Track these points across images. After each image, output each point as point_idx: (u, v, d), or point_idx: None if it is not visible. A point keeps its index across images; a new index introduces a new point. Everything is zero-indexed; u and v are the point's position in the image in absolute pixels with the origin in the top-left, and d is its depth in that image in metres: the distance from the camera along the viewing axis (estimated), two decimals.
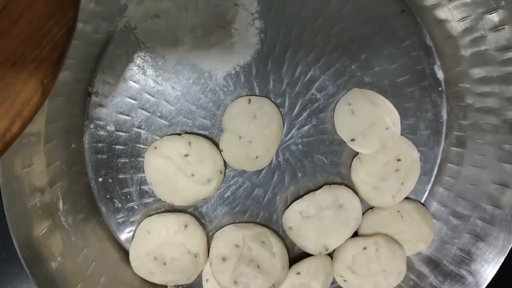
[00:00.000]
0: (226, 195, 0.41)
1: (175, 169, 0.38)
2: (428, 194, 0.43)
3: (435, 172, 0.43)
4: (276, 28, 0.39)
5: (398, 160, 0.41)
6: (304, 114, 0.40)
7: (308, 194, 0.41)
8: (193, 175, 0.38)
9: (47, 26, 0.24)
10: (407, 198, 0.42)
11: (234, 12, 0.37)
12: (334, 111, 0.41)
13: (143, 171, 0.39)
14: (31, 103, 0.25)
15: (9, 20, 0.23)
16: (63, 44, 0.25)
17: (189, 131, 0.39)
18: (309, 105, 0.40)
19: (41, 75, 0.25)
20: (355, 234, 0.42)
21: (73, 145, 0.38)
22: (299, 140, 0.41)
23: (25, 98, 0.25)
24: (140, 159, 0.39)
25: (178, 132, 0.39)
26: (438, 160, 0.42)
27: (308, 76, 0.40)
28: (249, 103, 0.39)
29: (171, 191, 0.39)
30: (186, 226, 0.39)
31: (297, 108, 0.40)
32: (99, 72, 0.38)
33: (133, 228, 0.40)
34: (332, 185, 0.41)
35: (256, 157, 0.39)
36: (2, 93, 0.24)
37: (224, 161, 0.39)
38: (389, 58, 0.40)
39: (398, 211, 0.42)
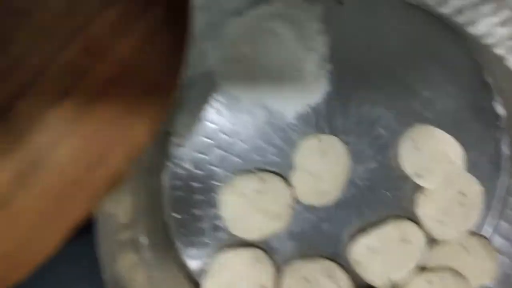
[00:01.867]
0: (294, 229, 0.43)
1: (249, 205, 0.40)
2: (492, 228, 0.44)
3: (499, 207, 0.44)
4: (344, 70, 0.41)
5: (462, 194, 0.42)
6: (370, 151, 0.42)
7: (374, 228, 0.42)
8: (266, 210, 0.40)
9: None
10: (471, 232, 0.43)
11: (307, 56, 0.39)
12: (398, 147, 0.42)
13: (217, 207, 0.41)
14: (140, 143, 0.27)
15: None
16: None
17: (261, 168, 0.41)
18: (374, 142, 0.42)
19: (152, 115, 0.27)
20: (420, 268, 0.43)
21: (153, 183, 0.40)
22: (365, 176, 0.42)
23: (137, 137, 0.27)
24: (214, 195, 0.41)
25: (250, 169, 0.41)
26: (502, 195, 0.44)
27: (373, 115, 0.42)
28: (319, 141, 0.40)
29: (244, 226, 0.41)
30: (257, 260, 0.41)
31: (363, 145, 0.42)
32: (179, 113, 0.40)
33: (206, 262, 0.42)
34: (396, 219, 0.42)
35: (325, 193, 0.41)
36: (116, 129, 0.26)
37: (295, 197, 0.41)
38: (450, 95, 0.42)
39: (462, 245, 0.43)
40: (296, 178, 0.41)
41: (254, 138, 0.41)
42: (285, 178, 0.42)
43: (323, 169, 0.41)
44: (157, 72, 0.26)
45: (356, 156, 0.43)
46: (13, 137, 0.24)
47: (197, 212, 0.42)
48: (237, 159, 0.41)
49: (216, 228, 0.42)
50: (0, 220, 0.25)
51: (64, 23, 0.24)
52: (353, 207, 0.43)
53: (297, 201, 0.42)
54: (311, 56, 0.40)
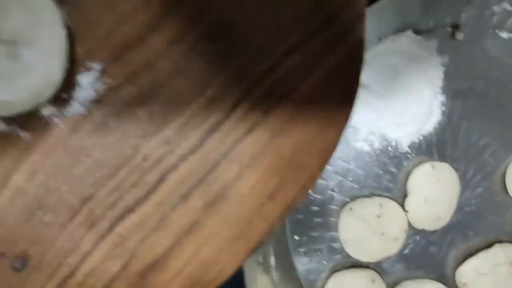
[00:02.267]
0: (404, 252, 0.45)
1: (368, 228, 0.43)
2: None
3: None
4: (455, 101, 0.44)
5: None
6: (477, 177, 0.45)
7: (481, 252, 0.45)
8: (383, 234, 0.43)
9: None
10: None
11: (424, 88, 0.42)
12: (505, 174, 0.45)
13: (334, 230, 0.44)
14: (313, 177, 0.30)
15: None
16: None
17: (376, 193, 0.44)
18: (481, 168, 0.45)
19: None
20: None
21: None
22: (472, 201, 0.45)
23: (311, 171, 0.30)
24: (332, 219, 0.44)
25: (366, 194, 0.44)
26: None
27: (481, 143, 0.45)
28: (432, 168, 0.43)
29: (362, 248, 0.43)
30: (373, 281, 0.43)
31: (471, 171, 0.45)
32: None
33: (322, 282, 0.44)
34: (503, 243, 0.45)
35: (437, 218, 0.43)
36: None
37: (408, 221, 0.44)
38: None
39: None
40: (410, 203, 0.44)
41: (370, 165, 0.44)
42: (399, 203, 0.44)
43: (436, 195, 0.43)
44: (332, 109, 0.29)
45: (464, 182, 0.45)
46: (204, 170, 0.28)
47: (315, 234, 0.44)
48: (354, 185, 0.44)
49: (332, 249, 0.45)
50: (191, 242, 0.28)
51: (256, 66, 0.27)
52: (460, 231, 0.46)
53: (409, 225, 0.45)
54: (428, 87, 0.43)
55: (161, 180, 0.28)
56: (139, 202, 0.28)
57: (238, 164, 0.28)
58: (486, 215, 0.45)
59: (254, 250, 0.28)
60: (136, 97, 0.26)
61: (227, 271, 0.28)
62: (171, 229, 0.28)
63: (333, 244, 0.44)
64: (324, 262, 0.44)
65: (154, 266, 0.28)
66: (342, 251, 0.44)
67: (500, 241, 0.45)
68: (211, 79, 0.27)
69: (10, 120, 0.26)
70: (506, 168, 0.45)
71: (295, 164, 0.28)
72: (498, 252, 0.44)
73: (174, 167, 0.28)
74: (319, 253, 0.44)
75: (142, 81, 0.26)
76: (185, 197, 0.28)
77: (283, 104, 0.28)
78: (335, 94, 0.28)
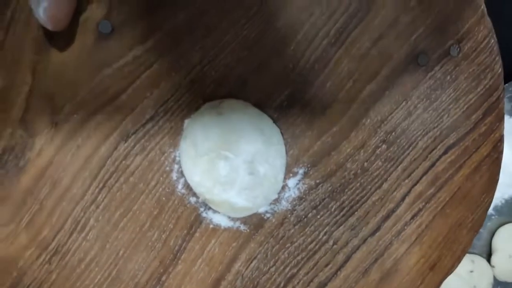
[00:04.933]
0: None
1: (463, 282, 0.50)
2: None
3: None
4: None
5: None
6: None
7: None
8: (474, 286, 0.51)
9: None
10: None
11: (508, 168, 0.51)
12: None
13: None
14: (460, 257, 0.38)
15: None
16: None
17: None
18: None
19: None
20: None
21: None
22: None
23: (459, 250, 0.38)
24: None
25: None
26: None
27: None
28: None
29: None
30: None
31: None
32: None
33: None
34: None
35: None
36: None
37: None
38: None
39: None
40: (496, 259, 0.52)
41: None
42: (486, 260, 0.52)
43: None
44: (479, 194, 0.37)
45: None
46: (380, 249, 0.36)
47: None
48: None
49: None
50: None
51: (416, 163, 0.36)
52: None
53: (494, 278, 0.53)
54: None
55: (347, 259, 0.35)
56: (330, 278, 0.34)
57: (407, 243, 0.35)
58: None
59: None
60: (329, 193, 0.34)
61: None
62: None
63: None
64: None
65: None
66: None
67: None
68: (386, 176, 0.34)
69: (234, 218, 0.33)
70: None
71: (451, 240, 0.35)
72: None
73: (357, 248, 0.35)
74: None
75: (335, 179, 0.34)
76: (365, 272, 0.35)
77: (442, 193, 0.35)
78: (482, 182, 0.35)
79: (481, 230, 0.51)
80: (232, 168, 0.30)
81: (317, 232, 0.34)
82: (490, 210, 0.51)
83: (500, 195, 0.51)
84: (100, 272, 0.33)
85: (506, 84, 0.49)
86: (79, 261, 0.32)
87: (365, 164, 0.34)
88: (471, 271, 0.49)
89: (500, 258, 0.50)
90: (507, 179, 0.50)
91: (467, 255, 0.50)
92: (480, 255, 0.51)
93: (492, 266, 0.50)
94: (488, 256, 0.51)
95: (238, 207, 0.31)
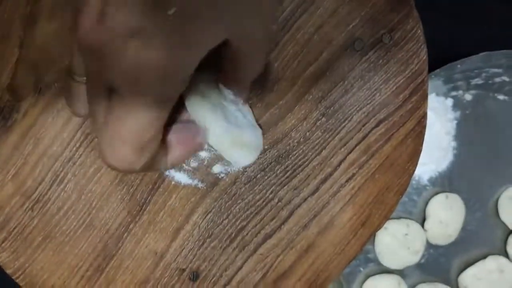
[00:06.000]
0: (421, 261, 0.60)
1: (398, 243, 0.58)
2: None
3: None
4: (463, 146, 0.59)
5: None
6: (477, 205, 0.60)
7: (479, 262, 0.60)
8: (408, 248, 0.58)
9: None
10: None
11: (443, 137, 0.58)
12: (497, 202, 0.61)
13: (370, 244, 0.59)
14: (390, 211, 0.45)
15: None
16: None
17: (403, 216, 0.59)
18: (481, 198, 0.60)
19: None
20: None
21: None
22: (473, 223, 0.60)
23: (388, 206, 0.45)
24: None
25: (396, 216, 0.59)
26: None
27: (482, 178, 0.60)
28: (446, 198, 0.59)
29: (392, 258, 0.58)
30: (399, 283, 0.59)
31: (473, 200, 0.60)
32: None
33: (359, 284, 0.59)
34: (495, 255, 0.61)
35: (448, 236, 0.59)
36: None
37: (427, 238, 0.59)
38: None
39: None
40: (429, 224, 0.59)
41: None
42: (420, 224, 0.60)
43: (449, 219, 0.59)
44: (405, 163, 0.44)
45: (467, 208, 0.60)
46: (319, 207, 0.42)
47: None
48: None
49: (367, 259, 0.60)
50: (309, 257, 0.41)
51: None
52: (463, 246, 0.61)
53: (427, 241, 0.60)
54: (446, 138, 0.59)
55: (290, 215, 0.41)
56: (275, 231, 0.41)
57: (342, 202, 0.41)
58: (483, 233, 0.60)
59: (350, 262, 0.42)
60: (275, 158, 0.40)
61: (332, 277, 0.41)
62: (296, 248, 0.41)
63: (368, 255, 0.59)
64: (361, 268, 0.59)
65: (284, 275, 0.41)
66: (375, 260, 0.58)
67: (493, 254, 0.61)
68: (325, 144, 0.41)
69: (193, 177, 0.39)
70: (499, 197, 0.61)
71: (380, 201, 0.42)
72: (491, 262, 0.60)
73: (299, 206, 0.41)
74: (357, 261, 0.59)
75: (281, 146, 0.40)
76: (305, 226, 0.41)
77: (373, 160, 0.42)
78: (407, 152, 0.42)
79: (416, 198, 0.58)
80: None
81: (264, 191, 0.40)
82: (425, 181, 0.58)
83: (434, 168, 0.57)
84: (76, 219, 0.38)
85: (443, 67, 0.55)
86: (58, 209, 0.37)
87: (307, 133, 0.40)
88: (406, 234, 0.56)
89: (432, 223, 0.57)
90: (441, 153, 0.57)
91: (403, 219, 0.57)
92: (416, 221, 0.58)
93: (425, 230, 0.57)
94: (422, 222, 0.58)
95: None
